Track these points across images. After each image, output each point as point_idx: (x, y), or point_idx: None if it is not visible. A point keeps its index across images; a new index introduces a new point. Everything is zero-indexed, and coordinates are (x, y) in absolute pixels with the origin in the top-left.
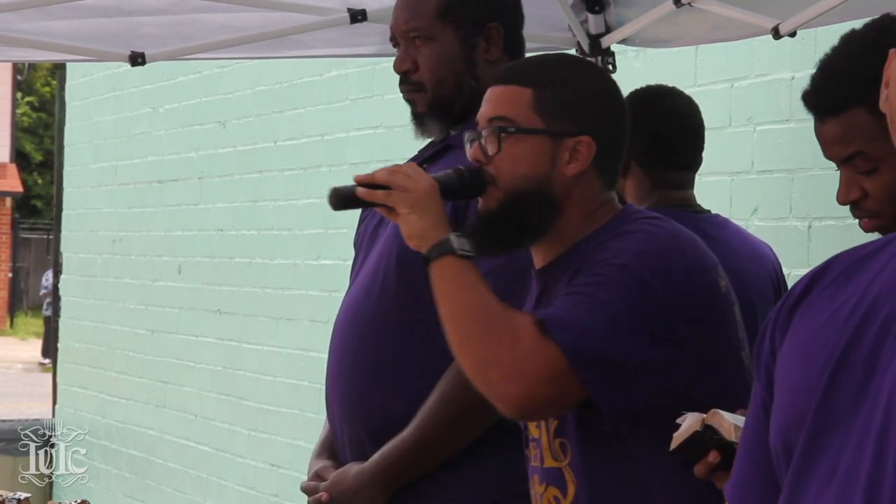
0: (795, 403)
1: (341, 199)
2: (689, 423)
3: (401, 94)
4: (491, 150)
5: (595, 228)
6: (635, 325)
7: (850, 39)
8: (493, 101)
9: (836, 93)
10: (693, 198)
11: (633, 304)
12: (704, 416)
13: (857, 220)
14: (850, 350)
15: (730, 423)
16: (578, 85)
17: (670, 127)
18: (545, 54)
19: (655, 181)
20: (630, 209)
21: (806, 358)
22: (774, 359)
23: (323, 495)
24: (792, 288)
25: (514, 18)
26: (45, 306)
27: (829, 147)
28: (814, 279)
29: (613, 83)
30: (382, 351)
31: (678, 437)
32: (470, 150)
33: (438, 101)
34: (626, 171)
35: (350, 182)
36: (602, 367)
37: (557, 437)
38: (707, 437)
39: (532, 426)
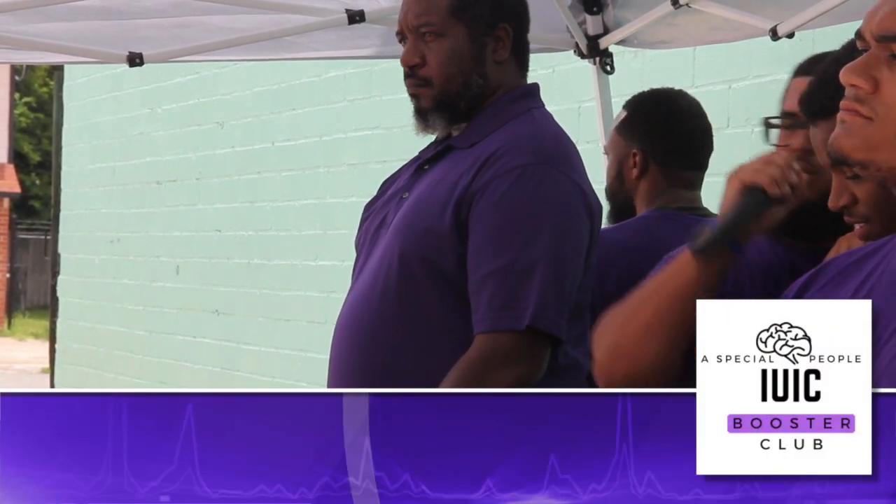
0: None
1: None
2: None
3: (399, 96)
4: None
5: None
6: None
7: (845, 46)
8: None
9: (825, 97)
10: (699, 199)
11: None
12: None
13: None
14: None
15: None
16: None
17: (689, 126)
18: None
19: (672, 180)
20: None
21: None
22: None
23: None
24: (785, 292)
25: (522, 21)
26: None
27: (819, 152)
28: (806, 283)
29: None
30: (385, 352)
31: None
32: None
33: (444, 98)
34: (645, 170)
35: (349, 181)
36: None
37: None
38: None
39: None
